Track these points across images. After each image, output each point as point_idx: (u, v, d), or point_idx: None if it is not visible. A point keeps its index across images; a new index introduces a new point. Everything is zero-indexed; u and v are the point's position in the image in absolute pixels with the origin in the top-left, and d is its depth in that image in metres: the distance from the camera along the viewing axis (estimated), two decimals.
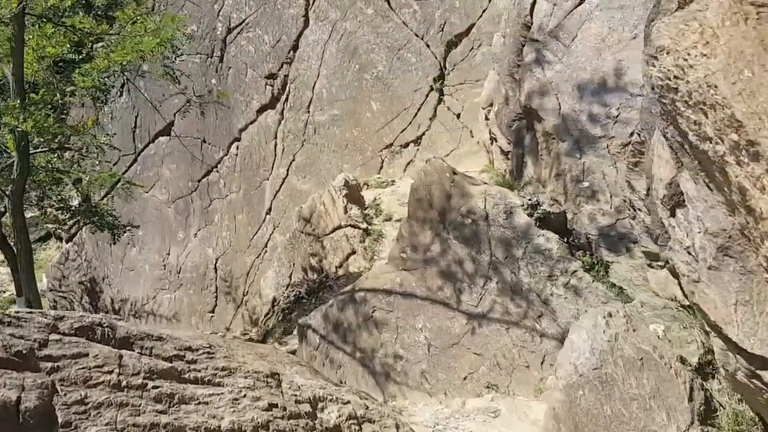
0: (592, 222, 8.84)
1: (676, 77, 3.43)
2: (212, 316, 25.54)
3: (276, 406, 4.93)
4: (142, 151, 24.35)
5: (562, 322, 8.53)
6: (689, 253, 3.73)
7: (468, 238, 9.47)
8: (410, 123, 16.68)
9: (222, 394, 4.66)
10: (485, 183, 10.19)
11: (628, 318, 4.76)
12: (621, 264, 8.48)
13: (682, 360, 4.33)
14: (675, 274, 4.47)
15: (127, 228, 15.01)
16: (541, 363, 8.47)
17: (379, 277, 9.96)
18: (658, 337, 4.78)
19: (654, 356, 4.23)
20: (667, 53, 3.48)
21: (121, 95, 23.30)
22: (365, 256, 16.10)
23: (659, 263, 6.22)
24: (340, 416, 5.46)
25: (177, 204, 26.47)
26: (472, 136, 15.06)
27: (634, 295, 8.31)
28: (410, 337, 9.38)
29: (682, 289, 4.39)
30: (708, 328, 3.84)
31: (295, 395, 5.30)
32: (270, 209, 23.77)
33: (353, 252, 16.64)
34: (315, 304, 16.62)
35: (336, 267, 16.90)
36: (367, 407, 5.95)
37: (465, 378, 8.82)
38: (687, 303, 5.68)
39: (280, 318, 17.59)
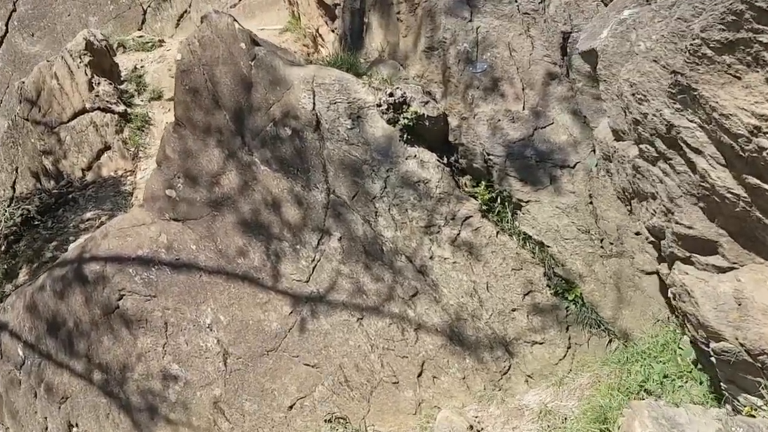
0: (495, 133, 5.29)
1: None
2: None
3: None
4: None
5: (451, 305, 5.14)
6: None
7: (287, 162, 5.41)
8: None
9: None
10: (311, 62, 6.01)
11: None
12: (542, 204, 5.17)
13: None
14: None
15: None
16: (419, 375, 5.11)
17: (129, 234, 5.56)
18: None
19: None
20: None
21: None
22: (125, 154, 11.30)
23: (712, 263, 2.85)
24: None
25: None
26: None
27: (563, 258, 5.12)
28: (191, 341, 5.36)
29: None
30: None
31: None
32: None
33: (107, 147, 11.75)
34: (52, 229, 11.57)
35: (82, 170, 11.90)
36: None
37: (291, 407, 5.18)
38: None
39: (2, 249, 12.15)
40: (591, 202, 5.07)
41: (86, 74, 10.21)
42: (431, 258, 5.24)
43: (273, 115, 5.46)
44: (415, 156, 5.38)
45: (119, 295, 5.46)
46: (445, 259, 5.22)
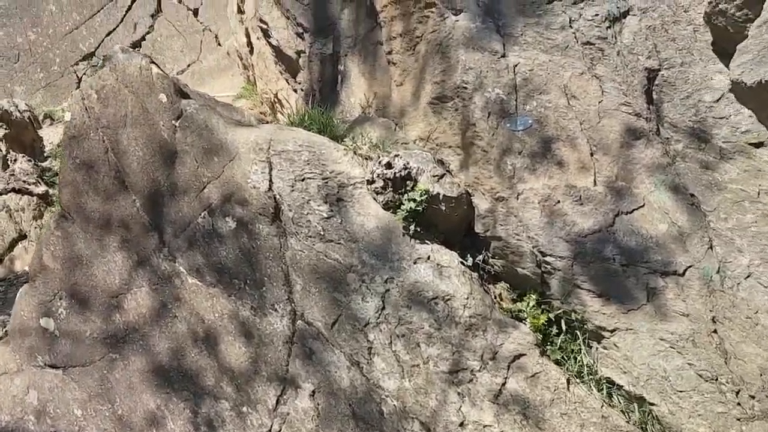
0: (553, 221, 3.43)
1: None
2: None
3: None
4: None
5: None
6: None
7: (229, 272, 3.46)
8: (121, 21, 10.74)
9: None
10: (266, 120, 4.18)
11: None
12: (638, 334, 3.26)
13: None
14: None
15: None
16: None
17: None
18: None
19: None
20: None
21: None
22: None
23: None
24: None
25: None
26: (219, 44, 9.77)
27: (678, 422, 3.15)
28: None
29: None
30: None
31: None
32: None
33: (22, 236, 9.88)
34: None
35: None
36: None
37: None
38: None
39: None
40: (715, 331, 3.17)
41: (0, 150, 8.49)
42: (462, 425, 3.24)
43: (208, 200, 3.55)
44: (429, 257, 3.47)
45: None
46: (485, 426, 3.22)
